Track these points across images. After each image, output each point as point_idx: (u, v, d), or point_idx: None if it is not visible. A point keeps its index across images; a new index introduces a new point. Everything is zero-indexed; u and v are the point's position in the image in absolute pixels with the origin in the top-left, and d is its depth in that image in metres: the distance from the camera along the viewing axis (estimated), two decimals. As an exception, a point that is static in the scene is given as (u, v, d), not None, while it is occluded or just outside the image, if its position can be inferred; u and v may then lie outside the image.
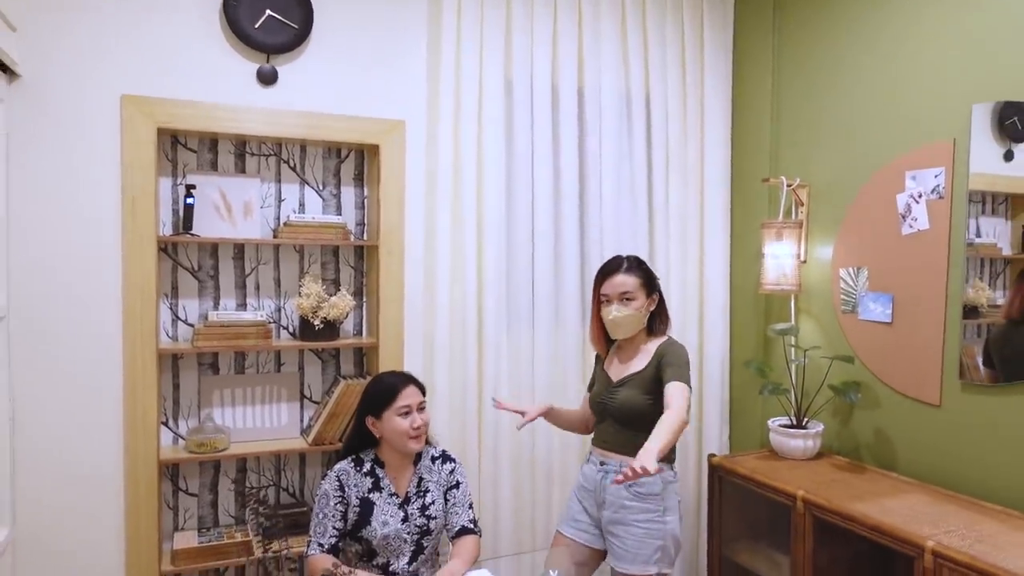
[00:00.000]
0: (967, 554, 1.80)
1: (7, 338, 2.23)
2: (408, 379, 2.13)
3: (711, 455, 2.72)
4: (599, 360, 2.40)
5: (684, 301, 3.10)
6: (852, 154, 2.68)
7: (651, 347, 2.25)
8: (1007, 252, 2.25)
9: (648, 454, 1.75)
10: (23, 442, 2.28)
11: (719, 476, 2.66)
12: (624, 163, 3.04)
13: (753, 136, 3.12)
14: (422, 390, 2.14)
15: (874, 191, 2.59)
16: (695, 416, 3.11)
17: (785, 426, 2.68)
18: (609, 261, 2.28)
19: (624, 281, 2.19)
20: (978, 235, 2.28)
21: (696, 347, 3.11)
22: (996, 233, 2.27)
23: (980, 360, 2.26)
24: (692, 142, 3.10)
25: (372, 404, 2.09)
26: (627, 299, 2.18)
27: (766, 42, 3.05)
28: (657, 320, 2.28)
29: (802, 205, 2.87)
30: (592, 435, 2.37)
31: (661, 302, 2.30)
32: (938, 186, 2.37)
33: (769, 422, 2.73)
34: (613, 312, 2.18)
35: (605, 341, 2.33)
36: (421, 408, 2.10)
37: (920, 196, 2.43)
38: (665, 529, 2.17)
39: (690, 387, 2.11)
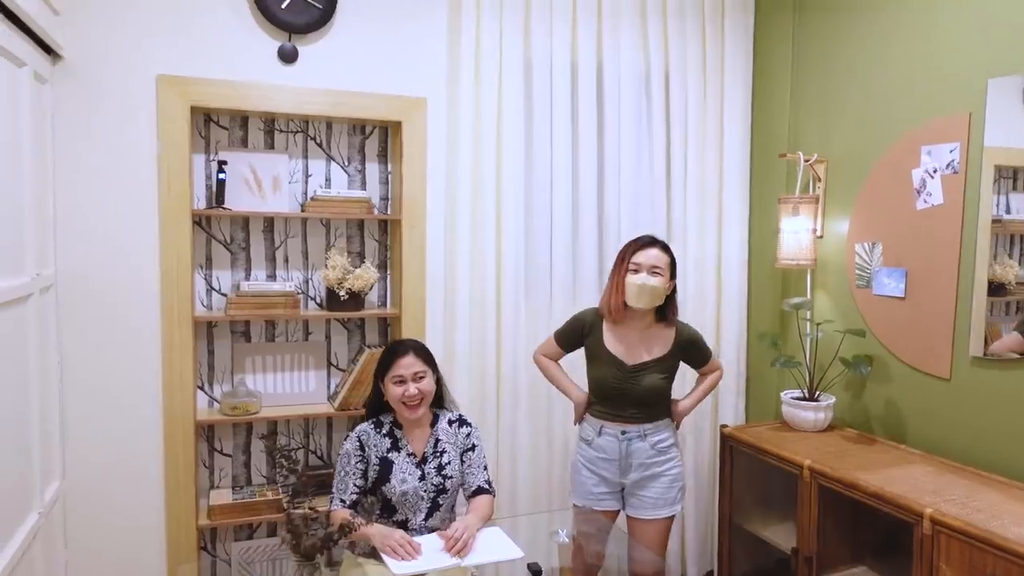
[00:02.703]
0: (963, 521, 1.85)
1: (55, 306, 2.38)
2: (409, 348, 2.18)
3: (723, 425, 2.79)
4: (592, 333, 2.40)
5: (702, 275, 3.14)
6: (869, 129, 2.69)
7: (667, 334, 2.40)
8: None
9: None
10: (71, 402, 2.44)
11: (730, 446, 2.73)
12: (643, 139, 3.08)
13: (773, 112, 3.13)
14: (425, 359, 2.19)
15: (890, 166, 2.60)
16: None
17: (797, 398, 2.73)
18: (642, 237, 2.39)
19: (659, 256, 2.32)
20: (1007, 211, 2.27)
21: (713, 320, 3.16)
22: (1026, 209, 2.25)
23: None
24: (711, 118, 3.12)
25: (378, 368, 2.20)
26: (656, 272, 2.30)
27: (786, 18, 3.05)
28: (669, 307, 2.39)
29: (819, 180, 2.89)
30: (597, 410, 2.41)
31: (675, 290, 2.40)
32: (953, 161, 2.37)
33: (782, 394, 2.78)
34: (644, 279, 2.28)
35: (623, 312, 2.35)
36: (419, 378, 2.14)
37: (935, 171, 2.43)
38: (681, 472, 2.45)
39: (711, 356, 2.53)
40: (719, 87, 3.12)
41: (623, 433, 2.36)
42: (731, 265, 3.16)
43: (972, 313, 2.31)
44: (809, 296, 2.90)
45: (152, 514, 2.54)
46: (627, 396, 2.35)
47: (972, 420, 2.31)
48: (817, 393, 2.73)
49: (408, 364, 2.14)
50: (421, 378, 2.15)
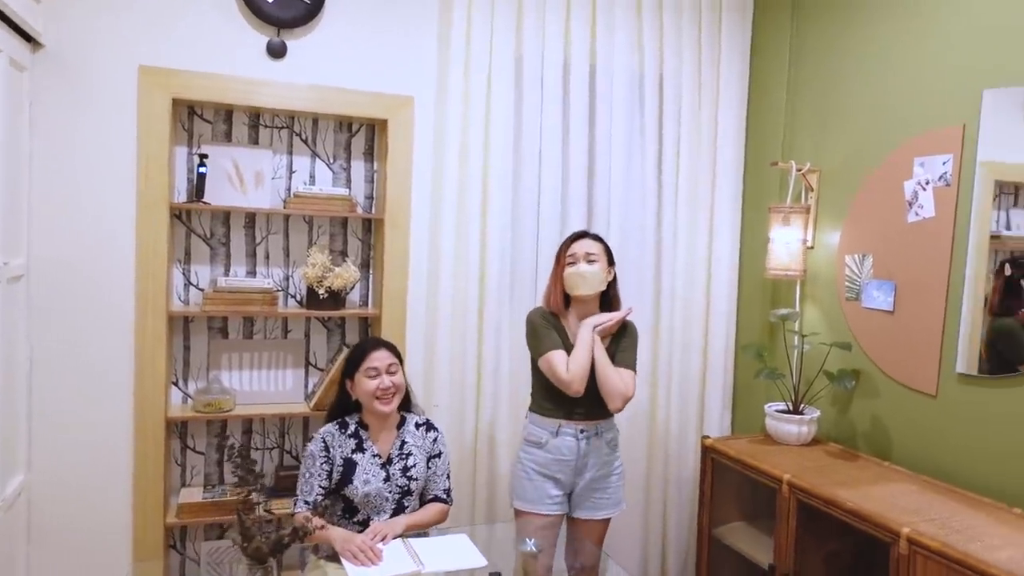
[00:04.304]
0: (940, 542, 1.79)
1: (26, 296, 2.35)
2: (379, 343, 2.20)
3: (704, 437, 2.73)
4: (559, 330, 2.36)
5: (690, 283, 3.09)
6: (862, 139, 2.64)
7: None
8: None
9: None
10: (39, 395, 2.41)
11: (711, 458, 2.67)
12: (635, 144, 3.03)
13: (768, 120, 3.08)
14: (395, 354, 2.20)
15: (882, 177, 2.54)
16: (696, 398, 3.12)
17: (781, 411, 2.68)
18: (575, 232, 2.45)
19: (591, 244, 2.37)
20: (1007, 227, 2.21)
21: (701, 329, 3.11)
22: (1023, 226, 2.20)
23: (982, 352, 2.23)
24: (705, 124, 3.07)
25: (347, 366, 2.18)
26: (592, 259, 2.34)
27: (784, 26, 3.01)
28: (612, 298, 2.42)
29: (811, 190, 2.83)
30: (550, 409, 2.34)
31: (615, 281, 2.43)
32: (945, 173, 2.32)
33: (766, 407, 2.73)
34: (583, 267, 2.32)
35: (563, 303, 2.39)
36: (391, 371, 2.15)
37: (927, 183, 2.38)
38: (623, 467, 2.47)
39: (635, 371, 2.39)
40: (714, 93, 3.07)
41: (581, 432, 2.33)
42: (721, 273, 3.10)
43: (960, 329, 2.26)
44: (797, 307, 2.85)
45: (120, 510, 2.50)
46: (588, 391, 2.27)
47: (957, 438, 2.25)
48: (802, 406, 2.67)
49: (382, 357, 2.15)
50: (394, 372, 2.16)
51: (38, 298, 2.39)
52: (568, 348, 2.32)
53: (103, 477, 2.49)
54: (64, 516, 2.45)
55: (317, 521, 1.62)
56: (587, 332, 2.30)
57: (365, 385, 2.11)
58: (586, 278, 2.32)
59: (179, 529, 2.67)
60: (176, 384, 2.68)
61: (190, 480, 2.71)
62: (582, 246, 2.36)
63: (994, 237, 2.21)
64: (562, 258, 2.39)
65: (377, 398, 2.11)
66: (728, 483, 2.69)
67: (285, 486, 2.67)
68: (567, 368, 2.26)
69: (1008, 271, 2.16)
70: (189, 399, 2.68)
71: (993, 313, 2.18)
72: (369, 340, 2.24)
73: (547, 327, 2.35)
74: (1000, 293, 2.17)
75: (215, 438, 2.73)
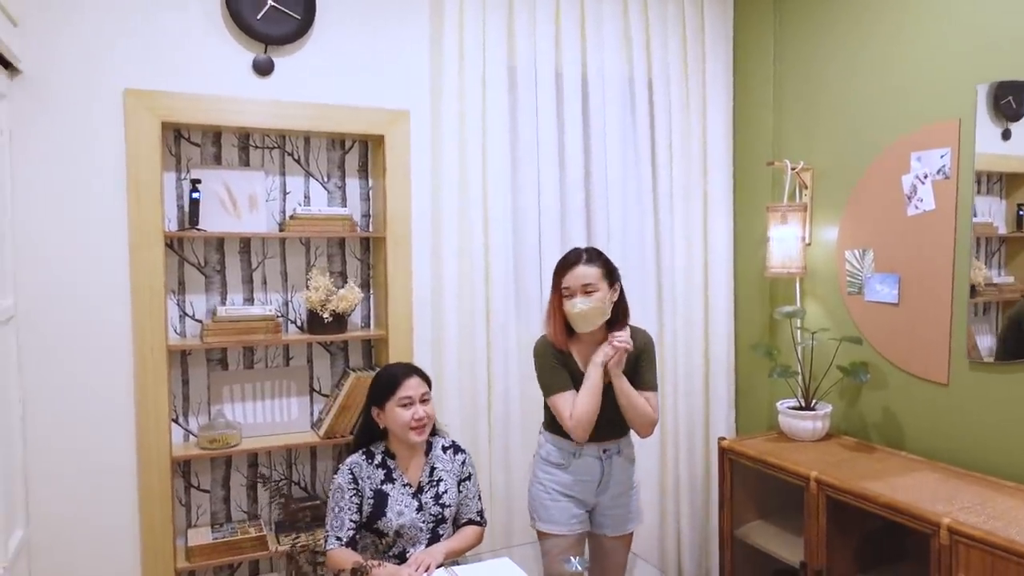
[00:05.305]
0: (983, 530, 1.82)
1: (16, 338, 2.20)
2: (411, 370, 2.13)
3: (721, 438, 2.74)
4: (566, 358, 2.23)
5: (689, 285, 3.11)
6: (856, 136, 2.69)
7: None
8: (1003, 231, 2.29)
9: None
10: (35, 443, 2.26)
11: (729, 459, 2.68)
12: (628, 148, 3.04)
13: (755, 119, 3.12)
14: (427, 382, 2.14)
15: (878, 172, 2.60)
16: (702, 399, 3.13)
17: (793, 408, 2.70)
18: (567, 254, 2.22)
19: (585, 272, 2.13)
20: (975, 214, 2.30)
21: (701, 331, 3.12)
22: (992, 212, 2.30)
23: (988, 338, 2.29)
24: (695, 126, 3.10)
25: (376, 395, 2.10)
26: (590, 291, 2.12)
27: (767, 24, 3.05)
28: (620, 313, 2.22)
29: (806, 188, 2.88)
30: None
31: (622, 293, 2.23)
32: (944, 167, 2.38)
33: (778, 404, 2.75)
34: (578, 305, 2.11)
35: (566, 336, 2.22)
36: (424, 400, 2.09)
37: (926, 177, 2.44)
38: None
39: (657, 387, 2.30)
40: (701, 94, 3.10)
41: (604, 451, 2.24)
42: (718, 275, 3.13)
43: (968, 317, 2.32)
44: (799, 304, 2.88)
45: (127, 560, 2.37)
46: (604, 413, 2.18)
47: (975, 425, 2.30)
48: (814, 402, 2.70)
49: (415, 385, 2.08)
50: (426, 400, 2.10)
51: (29, 340, 2.24)
52: (578, 379, 2.19)
53: (108, 525, 2.35)
54: (68, 571, 2.30)
55: (373, 562, 1.55)
56: (596, 374, 2.14)
57: (398, 415, 2.04)
58: (587, 317, 2.12)
59: (187, 574, 2.54)
60: (176, 421, 2.55)
61: (196, 520, 2.58)
62: (576, 278, 2.13)
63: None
64: (558, 288, 2.18)
65: (412, 428, 2.04)
66: (745, 483, 2.70)
67: (309, 518, 2.56)
68: (571, 415, 2.14)
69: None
70: (192, 436, 2.56)
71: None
72: (401, 368, 2.14)
73: (553, 364, 2.20)
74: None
75: (220, 474, 2.61)
